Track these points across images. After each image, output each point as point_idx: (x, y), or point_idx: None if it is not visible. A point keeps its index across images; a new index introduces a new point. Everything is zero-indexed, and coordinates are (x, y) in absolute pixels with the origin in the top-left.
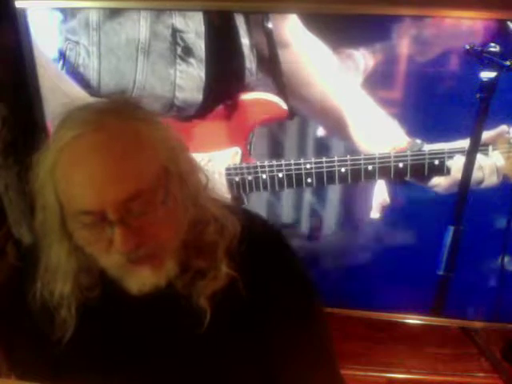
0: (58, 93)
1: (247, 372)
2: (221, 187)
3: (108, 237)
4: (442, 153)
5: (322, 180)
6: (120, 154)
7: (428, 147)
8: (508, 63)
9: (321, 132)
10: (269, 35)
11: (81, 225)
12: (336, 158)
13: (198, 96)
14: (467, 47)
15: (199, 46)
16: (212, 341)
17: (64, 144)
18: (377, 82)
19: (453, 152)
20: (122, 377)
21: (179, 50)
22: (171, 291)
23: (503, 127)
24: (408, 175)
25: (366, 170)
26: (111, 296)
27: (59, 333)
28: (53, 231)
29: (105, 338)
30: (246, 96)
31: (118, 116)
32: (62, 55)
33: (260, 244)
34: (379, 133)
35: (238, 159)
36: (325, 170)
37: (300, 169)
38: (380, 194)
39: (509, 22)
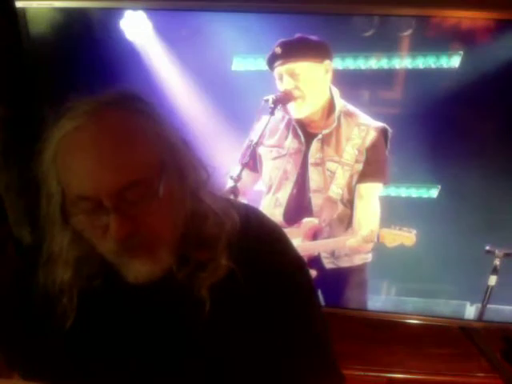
0: None
1: (246, 362)
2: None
3: (104, 223)
4: None
5: None
6: (117, 145)
7: None
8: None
9: None
10: None
11: (79, 211)
12: None
13: None
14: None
15: None
16: (211, 331)
17: (65, 134)
18: None
19: None
20: (123, 365)
21: None
22: (173, 282)
23: None
24: None
25: None
26: (113, 285)
27: (61, 321)
28: (56, 219)
29: (107, 327)
30: None
31: (118, 108)
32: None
33: (257, 238)
34: None
35: None
36: None
37: None
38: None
39: None
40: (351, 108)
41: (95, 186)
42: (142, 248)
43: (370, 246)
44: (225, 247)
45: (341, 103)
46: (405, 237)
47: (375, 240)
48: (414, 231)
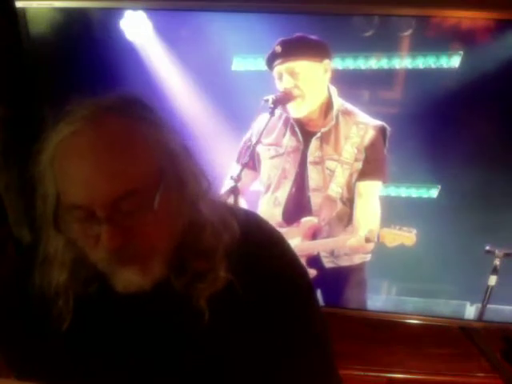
0: None
1: (245, 364)
2: None
3: (96, 233)
4: None
5: None
6: (114, 152)
7: None
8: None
9: None
10: None
11: (73, 218)
12: None
13: None
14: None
15: None
16: (210, 336)
17: (62, 138)
18: None
19: None
20: (121, 368)
21: None
22: (170, 291)
23: None
24: None
25: None
26: (110, 292)
27: (57, 323)
28: (51, 221)
29: (104, 332)
30: None
31: (118, 114)
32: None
33: (256, 243)
34: None
35: None
36: None
37: None
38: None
39: None
40: (349, 107)
41: (89, 195)
42: (135, 258)
43: (371, 246)
44: (223, 257)
45: (338, 102)
46: (405, 237)
47: (375, 240)
48: (414, 231)
